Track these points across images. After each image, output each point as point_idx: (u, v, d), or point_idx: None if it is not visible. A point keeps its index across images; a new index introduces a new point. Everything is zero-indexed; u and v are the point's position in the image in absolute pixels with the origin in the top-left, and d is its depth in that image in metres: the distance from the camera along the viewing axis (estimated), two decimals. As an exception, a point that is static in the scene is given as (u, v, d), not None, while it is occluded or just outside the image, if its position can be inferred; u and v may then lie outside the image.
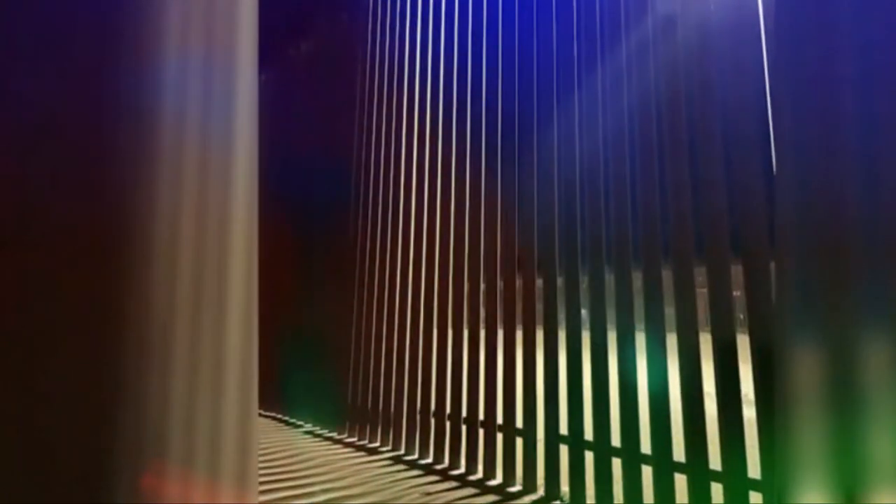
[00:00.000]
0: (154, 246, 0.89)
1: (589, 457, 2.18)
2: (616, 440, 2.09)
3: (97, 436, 0.79)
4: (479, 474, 2.60)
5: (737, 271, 1.81)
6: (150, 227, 0.90)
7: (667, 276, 2.00)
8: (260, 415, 3.76)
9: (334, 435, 3.47)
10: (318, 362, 3.79)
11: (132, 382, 0.82)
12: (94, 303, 0.81)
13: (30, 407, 0.77)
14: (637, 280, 2.09)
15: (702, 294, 1.89)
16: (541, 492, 2.33)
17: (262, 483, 2.42)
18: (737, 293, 1.80)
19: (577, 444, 2.23)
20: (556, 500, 2.24)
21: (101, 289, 0.82)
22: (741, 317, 1.78)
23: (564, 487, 2.26)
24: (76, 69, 0.89)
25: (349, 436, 3.41)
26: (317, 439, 3.37)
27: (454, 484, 2.48)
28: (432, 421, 2.92)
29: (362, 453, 3.02)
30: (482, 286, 2.79)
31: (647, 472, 1.98)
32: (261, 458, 2.83)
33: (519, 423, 2.49)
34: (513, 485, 2.43)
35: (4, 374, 0.76)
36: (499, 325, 2.67)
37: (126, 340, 0.82)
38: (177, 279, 0.90)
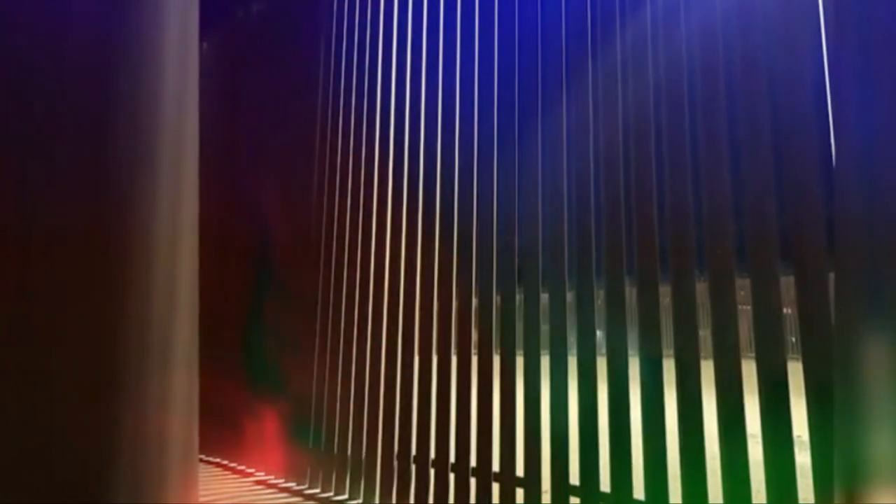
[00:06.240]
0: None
1: (606, 511, 2.15)
2: (639, 491, 2.07)
3: (97, 436, 0.92)
4: (471, 533, 2.56)
5: (787, 284, 1.80)
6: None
7: (701, 291, 1.99)
8: (200, 460, 3.69)
9: (292, 485, 3.41)
10: (274, 399, 3.73)
11: (133, 382, 0.97)
12: (94, 302, 0.95)
13: (30, 406, 0.90)
14: (665, 296, 2.07)
15: (745, 312, 1.88)
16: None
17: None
18: (787, 311, 1.80)
19: (590, 496, 2.20)
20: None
21: (101, 288, 0.96)
22: (793, 340, 1.78)
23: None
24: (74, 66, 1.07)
25: (310, 486, 3.35)
26: (270, 491, 3.31)
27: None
28: (412, 468, 2.88)
29: (326, 508, 2.97)
30: (474, 303, 2.76)
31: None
32: (200, 515, 2.77)
33: (520, 471, 2.45)
34: (512, 546, 2.40)
35: (5, 374, 0.90)
36: (494, 351, 2.65)
37: (126, 340, 0.98)
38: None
